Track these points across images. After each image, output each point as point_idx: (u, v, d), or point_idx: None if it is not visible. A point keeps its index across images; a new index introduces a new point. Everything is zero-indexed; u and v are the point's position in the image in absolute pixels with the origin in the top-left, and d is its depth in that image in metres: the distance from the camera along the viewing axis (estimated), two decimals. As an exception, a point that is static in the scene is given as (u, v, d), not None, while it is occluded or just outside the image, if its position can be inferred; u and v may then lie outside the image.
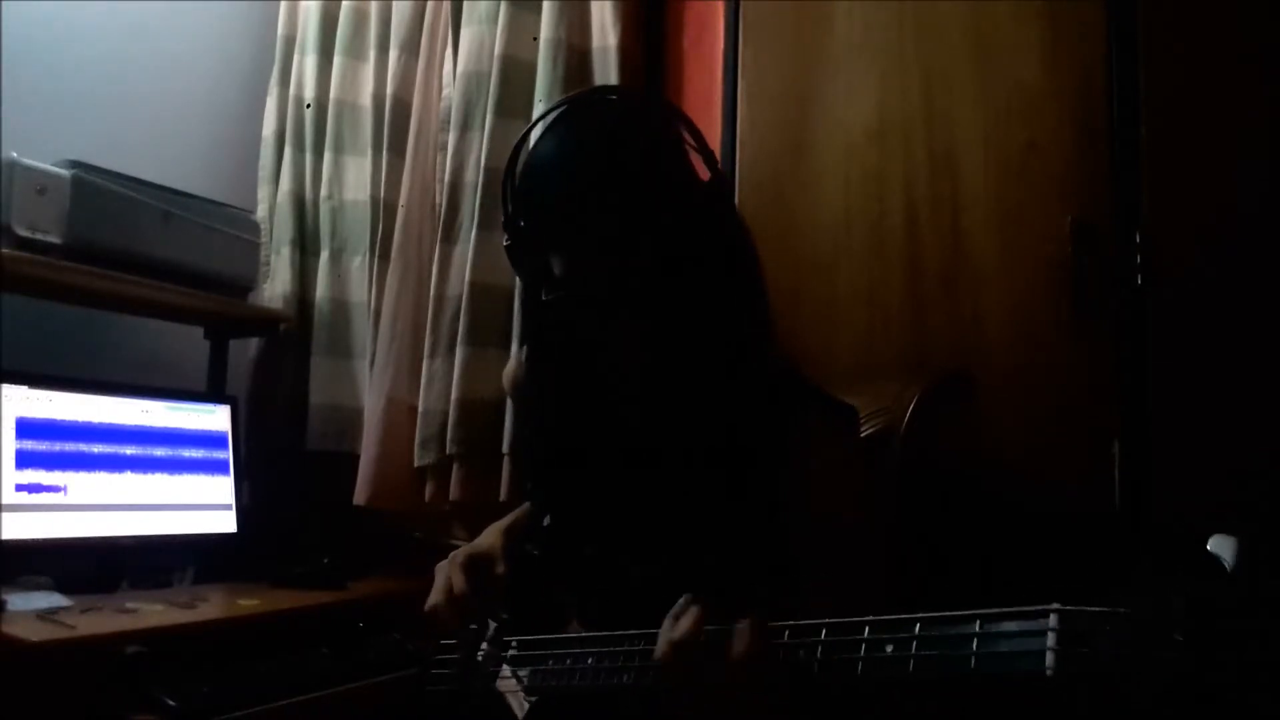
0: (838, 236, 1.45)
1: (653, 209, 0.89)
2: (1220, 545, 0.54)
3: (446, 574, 1.05)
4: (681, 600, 0.79)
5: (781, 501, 0.90)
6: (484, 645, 1.07)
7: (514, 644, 1.03)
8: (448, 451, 1.80)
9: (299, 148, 2.19)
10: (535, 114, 1.77)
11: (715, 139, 1.62)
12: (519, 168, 0.95)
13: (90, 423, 1.76)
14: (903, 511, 1.04)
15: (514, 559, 1.07)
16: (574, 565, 1.04)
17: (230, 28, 2.31)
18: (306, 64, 2.20)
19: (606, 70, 1.79)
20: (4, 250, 1.60)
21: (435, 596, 1.05)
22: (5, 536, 1.57)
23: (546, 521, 1.08)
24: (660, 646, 0.78)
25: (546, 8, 1.83)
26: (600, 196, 0.89)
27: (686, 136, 0.95)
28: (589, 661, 0.91)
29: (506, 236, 0.96)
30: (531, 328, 1.03)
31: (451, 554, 1.08)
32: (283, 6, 2.27)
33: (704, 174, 0.94)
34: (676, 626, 0.77)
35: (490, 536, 1.12)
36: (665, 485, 0.94)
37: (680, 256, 0.89)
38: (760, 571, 0.88)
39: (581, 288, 0.90)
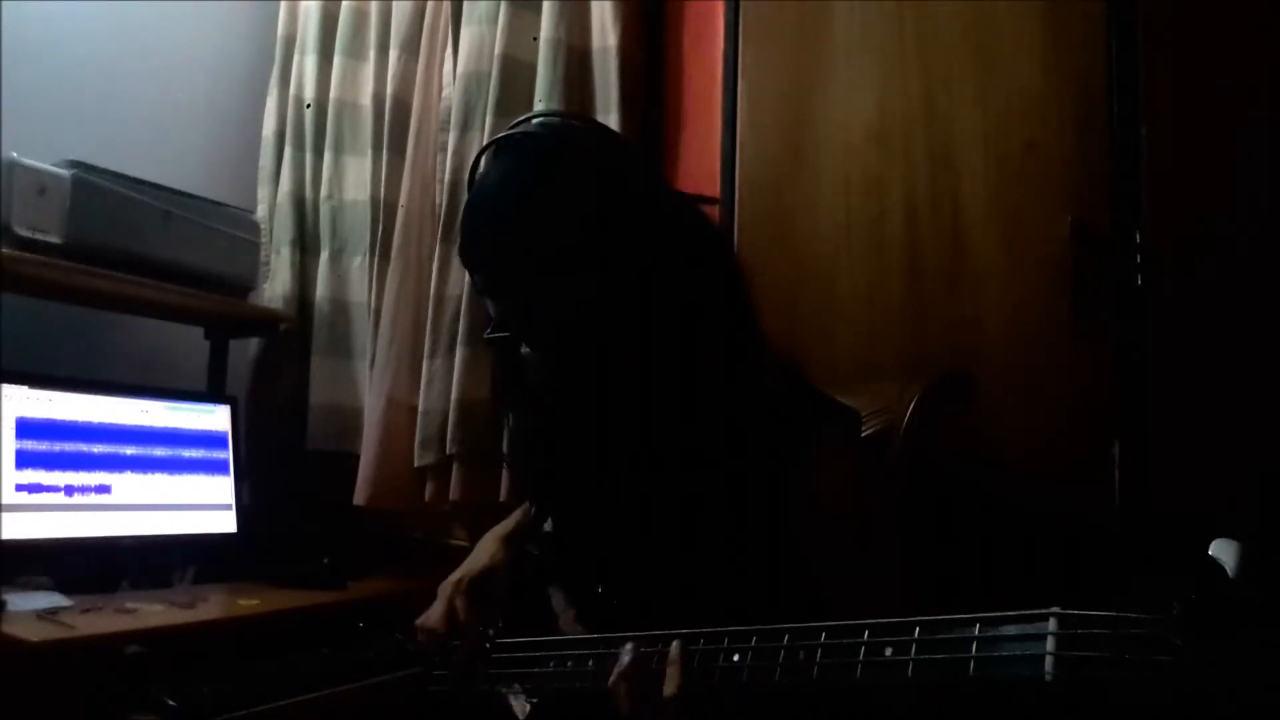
0: (838, 236, 1.45)
1: (570, 256, 0.89)
2: (1222, 550, 0.54)
3: (449, 599, 1.05)
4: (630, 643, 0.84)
5: (785, 506, 0.90)
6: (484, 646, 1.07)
7: (514, 645, 1.02)
8: (448, 451, 1.80)
9: (299, 148, 2.19)
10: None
11: (715, 139, 1.62)
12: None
13: (90, 423, 1.76)
14: (903, 512, 1.04)
15: (516, 571, 1.07)
16: (575, 568, 1.03)
17: (230, 28, 2.31)
18: (306, 64, 2.20)
19: (606, 70, 1.79)
20: (4, 250, 1.60)
21: (438, 623, 1.04)
22: (5, 536, 1.57)
23: (548, 527, 1.08)
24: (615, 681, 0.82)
25: (546, 8, 1.83)
26: (508, 258, 0.91)
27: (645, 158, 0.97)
28: (589, 664, 0.91)
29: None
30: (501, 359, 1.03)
31: (454, 578, 1.08)
32: (283, 6, 2.27)
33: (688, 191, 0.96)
34: (630, 661, 0.82)
35: (490, 545, 1.11)
36: (664, 491, 0.94)
37: (614, 284, 0.90)
38: (760, 578, 0.88)
39: (512, 333, 0.93)
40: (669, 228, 0.93)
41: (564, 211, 0.90)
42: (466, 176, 1.01)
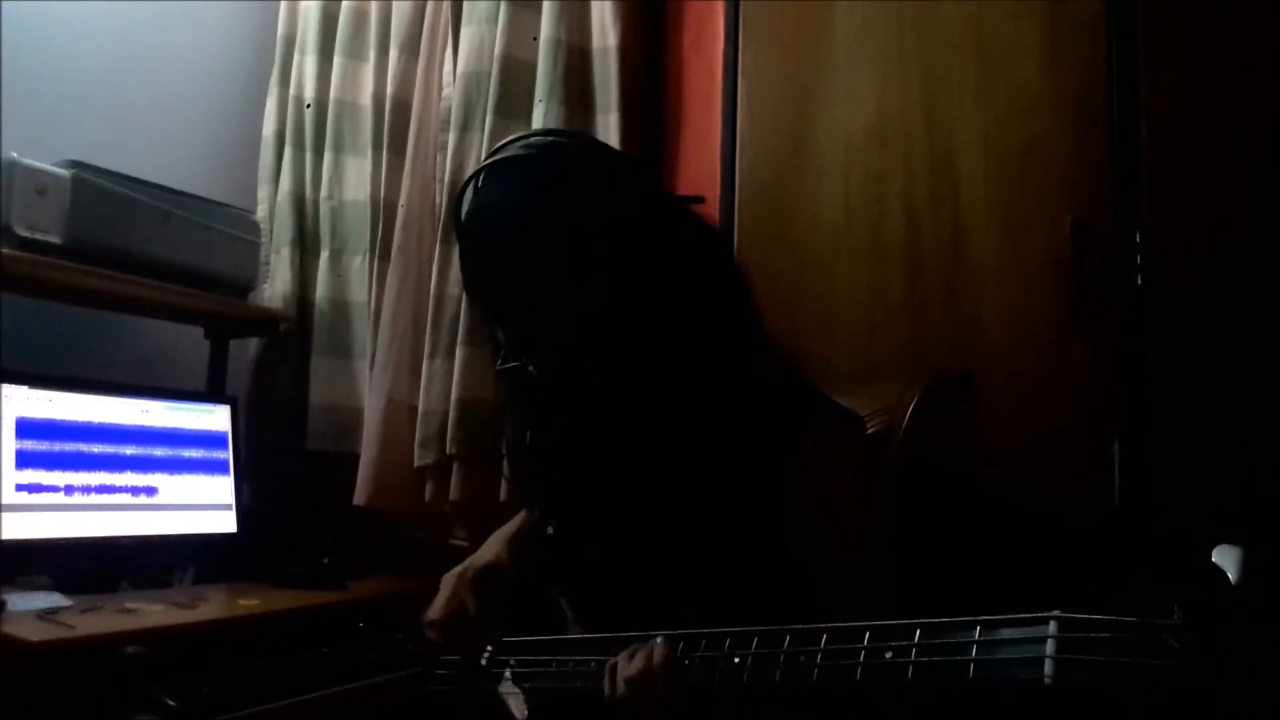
0: (838, 236, 1.45)
1: (574, 270, 0.89)
2: (1225, 556, 0.54)
3: (456, 592, 1.05)
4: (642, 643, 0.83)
5: (786, 510, 0.89)
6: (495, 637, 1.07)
7: (515, 646, 1.02)
8: (448, 451, 1.80)
9: (299, 148, 2.19)
10: (535, 115, 1.78)
11: (715, 139, 1.62)
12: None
13: (90, 423, 1.76)
14: (902, 512, 1.04)
15: (519, 572, 1.07)
16: (577, 570, 1.03)
17: (230, 28, 2.31)
18: (306, 64, 2.20)
19: (606, 70, 1.79)
20: (4, 250, 1.60)
21: (447, 618, 1.04)
22: (5, 536, 1.57)
23: (550, 530, 1.08)
24: (611, 683, 0.83)
25: (546, 8, 1.83)
26: (511, 278, 0.90)
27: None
28: (591, 665, 0.91)
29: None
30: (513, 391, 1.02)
31: (459, 570, 1.07)
32: (283, 6, 2.27)
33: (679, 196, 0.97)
34: (631, 664, 0.82)
35: (495, 545, 1.11)
36: (665, 493, 0.94)
37: (620, 298, 0.89)
38: (761, 578, 0.88)
39: (523, 362, 0.91)
40: (668, 232, 0.93)
41: (567, 221, 0.90)
42: (460, 192, 1.00)
